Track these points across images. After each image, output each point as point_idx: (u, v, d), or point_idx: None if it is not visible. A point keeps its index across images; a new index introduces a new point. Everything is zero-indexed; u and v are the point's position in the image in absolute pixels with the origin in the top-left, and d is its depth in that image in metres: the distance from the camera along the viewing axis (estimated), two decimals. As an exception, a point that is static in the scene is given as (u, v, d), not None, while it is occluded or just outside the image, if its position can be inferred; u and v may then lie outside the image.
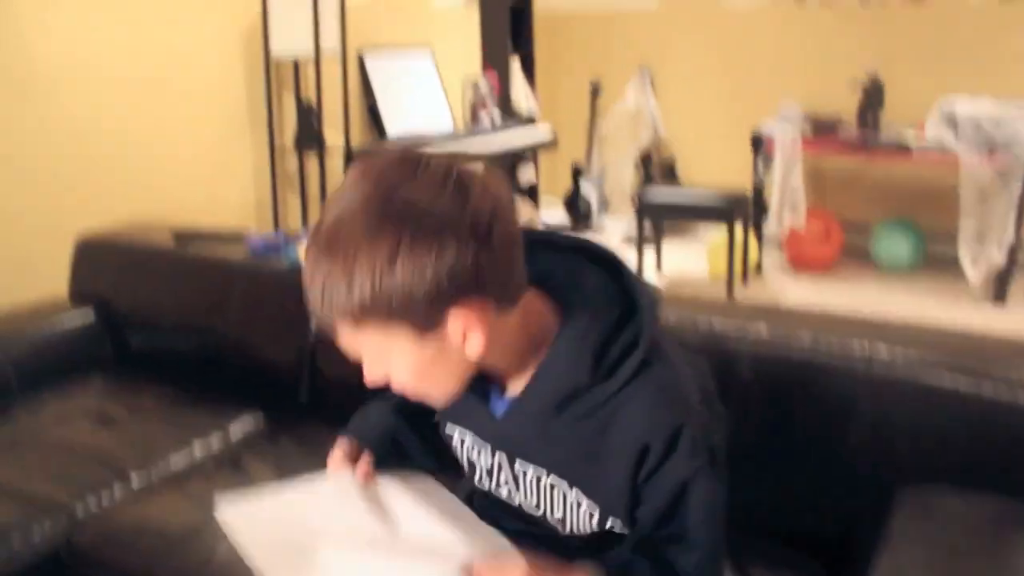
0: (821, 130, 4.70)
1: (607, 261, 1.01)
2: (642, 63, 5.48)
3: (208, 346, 2.21)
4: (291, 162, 4.05)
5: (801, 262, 4.86)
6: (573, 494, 1.00)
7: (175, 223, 2.52)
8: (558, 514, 1.03)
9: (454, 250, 0.83)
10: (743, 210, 4.45)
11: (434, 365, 0.92)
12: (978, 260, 4.22)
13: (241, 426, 2.00)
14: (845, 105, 4.75)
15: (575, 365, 0.94)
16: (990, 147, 4.16)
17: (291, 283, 1.84)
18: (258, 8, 3.75)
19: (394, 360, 0.91)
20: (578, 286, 0.98)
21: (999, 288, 4.25)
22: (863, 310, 3.96)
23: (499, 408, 1.01)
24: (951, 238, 4.36)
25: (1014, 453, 1.31)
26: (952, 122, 4.23)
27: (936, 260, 4.74)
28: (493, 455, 1.06)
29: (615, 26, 5.76)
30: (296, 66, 3.93)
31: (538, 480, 1.02)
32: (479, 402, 1.03)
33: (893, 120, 4.66)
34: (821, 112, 4.83)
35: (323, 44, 3.74)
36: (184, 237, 2.39)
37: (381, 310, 0.84)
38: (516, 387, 0.99)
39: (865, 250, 4.93)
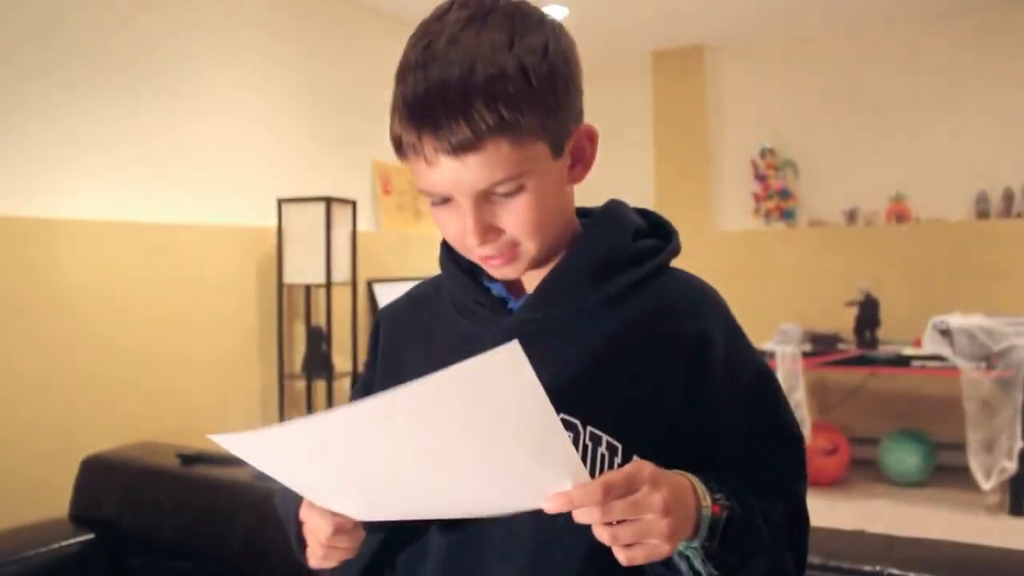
0: (821, 346, 4.78)
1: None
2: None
3: (208, 570, 2.16)
4: (299, 386, 4.10)
5: (809, 477, 4.77)
6: (587, 434, 0.85)
7: (181, 444, 2.53)
8: None
9: (579, 58, 0.87)
10: (748, 425, 4.44)
11: (556, 194, 0.86)
12: (990, 470, 4.16)
13: (237, 660, 1.91)
14: (842, 322, 4.86)
15: (615, 234, 0.92)
16: (987, 358, 4.22)
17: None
18: (273, 240, 3.95)
19: (527, 188, 0.82)
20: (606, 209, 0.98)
21: (1015, 498, 4.16)
22: (874, 525, 3.85)
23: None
24: (960, 448, 4.33)
25: None
26: (947, 336, 4.31)
27: (947, 470, 4.68)
28: None
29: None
30: (308, 291, 4.08)
31: None
32: (492, 311, 0.92)
33: (890, 336, 4.75)
34: (819, 328, 4.94)
35: (334, 275, 3.90)
36: (189, 459, 2.39)
37: (540, 103, 0.79)
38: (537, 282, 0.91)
39: (874, 463, 4.87)
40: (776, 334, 4.85)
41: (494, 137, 0.78)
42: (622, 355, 0.87)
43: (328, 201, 3.87)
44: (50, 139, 3.14)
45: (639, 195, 5.84)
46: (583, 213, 0.96)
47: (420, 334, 0.99)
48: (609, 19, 5.14)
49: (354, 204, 4.06)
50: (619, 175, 6.02)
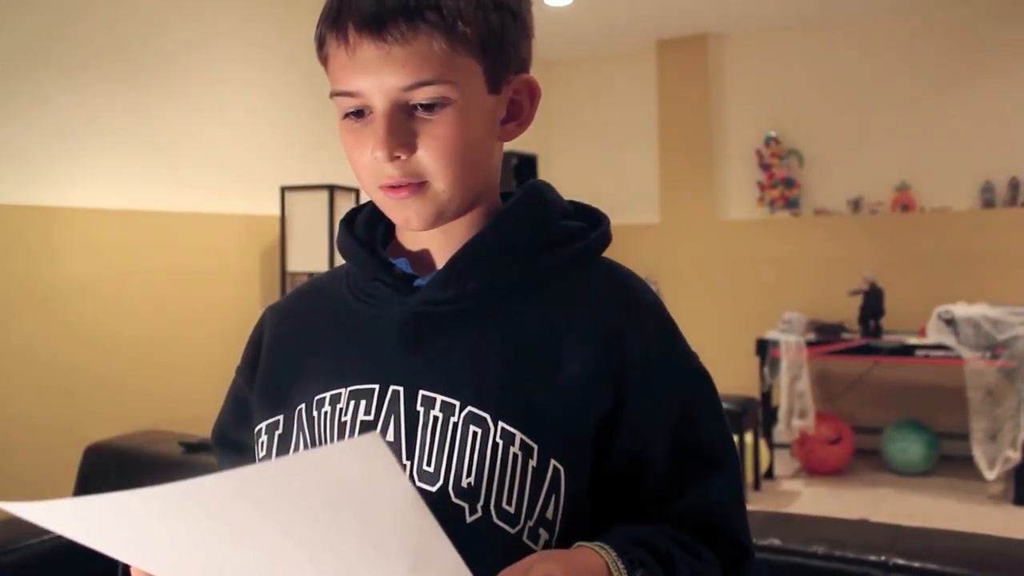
0: (825, 335, 4.78)
1: None
2: (647, 275, 5.66)
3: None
4: (302, 371, 4.11)
5: (813, 466, 4.78)
6: (497, 431, 0.74)
7: (184, 433, 2.53)
8: (468, 477, 0.73)
9: (531, 13, 0.81)
10: (752, 416, 4.45)
11: (482, 135, 0.77)
12: (994, 460, 4.16)
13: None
14: (846, 311, 4.85)
15: (540, 211, 0.82)
16: (992, 347, 4.21)
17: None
18: (277, 228, 3.95)
19: (453, 104, 0.74)
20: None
21: (1019, 488, 4.16)
22: (878, 514, 3.84)
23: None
24: (963, 437, 4.33)
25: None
26: (952, 325, 4.31)
27: (950, 460, 4.68)
28: (383, 401, 0.77)
29: (619, 238, 5.99)
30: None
31: (446, 420, 0.75)
32: (395, 290, 0.81)
33: (894, 325, 4.74)
34: (823, 318, 4.93)
35: (337, 263, 3.90)
36: (192, 447, 2.40)
37: (485, 23, 0.74)
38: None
39: (877, 452, 4.87)
40: (780, 323, 4.84)
41: (429, 31, 0.71)
42: (541, 346, 0.77)
43: (331, 189, 3.86)
44: (51, 127, 3.14)
45: (643, 184, 5.82)
46: (504, 196, 0.87)
47: (313, 328, 0.87)
48: (613, 8, 5.11)
49: (357, 192, 4.05)
50: (623, 164, 6.01)
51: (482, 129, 0.77)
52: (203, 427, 3.20)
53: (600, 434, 0.76)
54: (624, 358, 0.77)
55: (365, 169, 0.77)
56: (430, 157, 0.74)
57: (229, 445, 0.92)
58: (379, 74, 0.72)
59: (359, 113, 0.76)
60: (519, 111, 0.82)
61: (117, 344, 3.30)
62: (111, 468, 2.44)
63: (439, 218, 0.78)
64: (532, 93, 0.82)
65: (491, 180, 0.83)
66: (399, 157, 0.74)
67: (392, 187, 0.76)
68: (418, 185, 0.76)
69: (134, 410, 3.28)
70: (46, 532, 2.25)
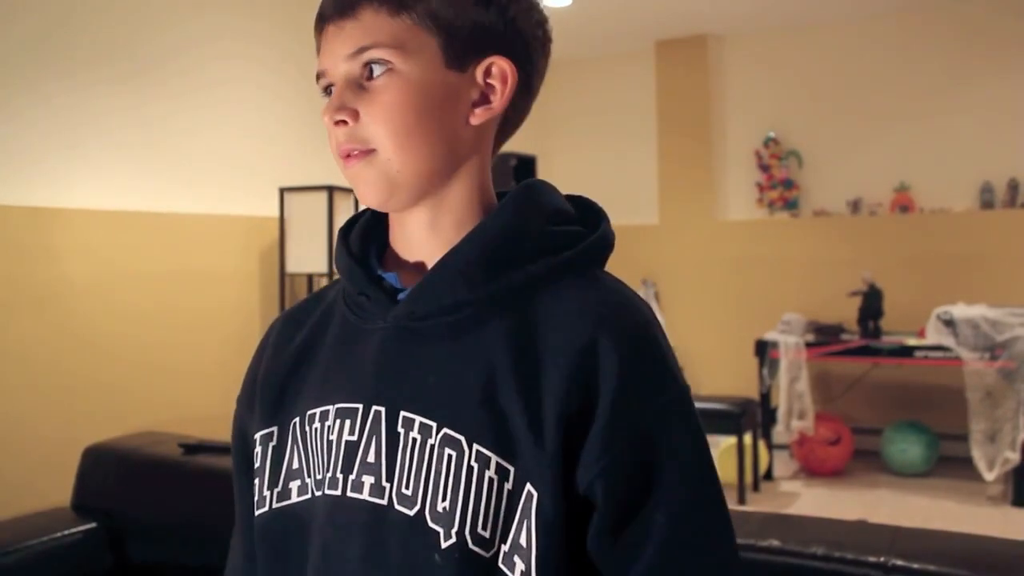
0: (824, 336, 4.78)
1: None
2: (646, 276, 5.66)
3: (210, 560, 2.16)
4: (301, 372, 4.11)
5: (812, 467, 4.78)
6: (472, 454, 0.71)
7: (183, 434, 2.53)
8: (443, 502, 0.72)
9: (535, 7, 0.81)
10: (751, 417, 4.45)
11: (438, 107, 0.76)
12: (993, 461, 4.16)
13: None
14: (846, 312, 4.85)
15: (523, 216, 0.78)
16: (991, 348, 4.21)
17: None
18: (276, 229, 3.95)
19: (398, 71, 0.75)
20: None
21: (1018, 489, 4.16)
22: (877, 515, 3.83)
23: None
24: (963, 438, 4.33)
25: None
26: (951, 326, 4.31)
27: (949, 461, 4.68)
28: (366, 421, 0.76)
29: (618, 239, 5.98)
30: (310, 280, 4.08)
31: (423, 443, 0.73)
32: (379, 304, 0.79)
33: (893, 326, 4.75)
34: (822, 319, 4.93)
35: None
36: (191, 448, 2.39)
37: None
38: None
39: (876, 453, 4.87)
40: (779, 324, 4.84)
41: (376, 6, 0.75)
42: (519, 364, 0.73)
43: (330, 190, 3.86)
44: (50, 128, 3.13)
45: (642, 185, 5.83)
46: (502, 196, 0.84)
47: (312, 339, 0.86)
48: (612, 8, 5.12)
49: (356, 193, 4.05)
50: (622, 165, 6.01)
51: (437, 102, 0.76)
52: (202, 428, 3.21)
53: (569, 459, 0.71)
54: (596, 380, 0.72)
55: (330, 143, 0.79)
56: (373, 123, 0.76)
57: (246, 459, 0.93)
58: (334, 49, 0.77)
59: (330, 92, 0.80)
60: (490, 93, 0.79)
61: (115, 345, 3.30)
62: (110, 469, 2.44)
63: (393, 192, 0.78)
64: (504, 78, 0.78)
65: (461, 164, 0.80)
66: (344, 122, 0.76)
67: (346, 156, 0.78)
68: (366, 152, 0.77)
69: (133, 411, 3.27)
70: (46, 532, 2.25)
